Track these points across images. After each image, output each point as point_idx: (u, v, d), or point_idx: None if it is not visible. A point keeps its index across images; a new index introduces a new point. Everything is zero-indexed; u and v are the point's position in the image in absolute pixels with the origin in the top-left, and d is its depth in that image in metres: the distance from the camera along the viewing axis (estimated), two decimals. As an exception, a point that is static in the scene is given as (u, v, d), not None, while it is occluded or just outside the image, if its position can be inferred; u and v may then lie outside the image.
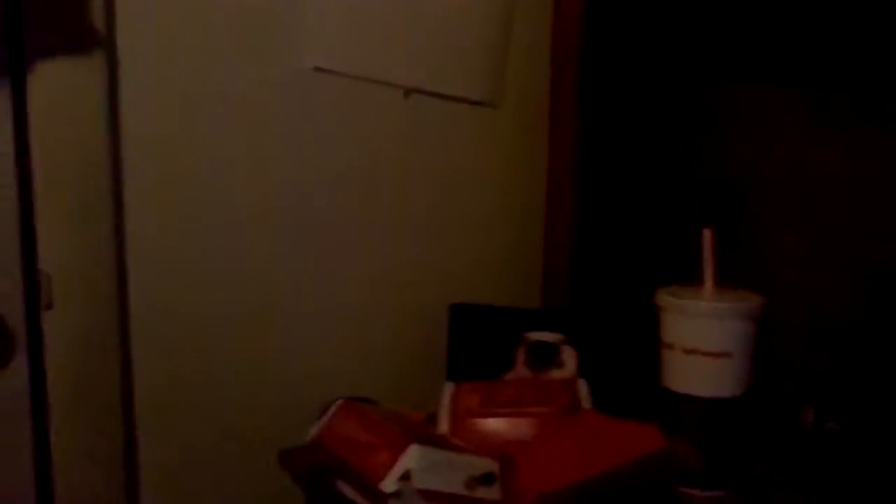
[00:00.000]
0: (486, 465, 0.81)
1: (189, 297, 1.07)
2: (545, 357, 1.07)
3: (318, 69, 1.11)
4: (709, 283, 0.94)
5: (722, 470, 0.92)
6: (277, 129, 1.11)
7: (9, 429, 0.98)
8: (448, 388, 0.99)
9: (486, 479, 0.80)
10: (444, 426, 0.93)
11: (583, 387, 0.99)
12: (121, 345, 1.02)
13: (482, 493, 0.80)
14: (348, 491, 0.83)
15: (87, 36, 0.99)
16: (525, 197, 1.29)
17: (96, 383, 1.02)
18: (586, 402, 0.96)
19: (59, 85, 0.96)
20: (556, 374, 1.07)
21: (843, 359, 1.04)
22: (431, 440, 0.83)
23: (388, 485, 0.76)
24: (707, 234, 0.95)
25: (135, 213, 1.03)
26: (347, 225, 1.16)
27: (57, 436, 0.97)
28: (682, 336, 0.91)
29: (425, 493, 0.77)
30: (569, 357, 1.07)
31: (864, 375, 1.02)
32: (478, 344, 1.09)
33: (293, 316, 1.14)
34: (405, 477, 0.77)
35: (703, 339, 0.90)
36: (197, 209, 1.07)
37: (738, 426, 0.92)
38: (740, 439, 0.92)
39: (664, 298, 0.93)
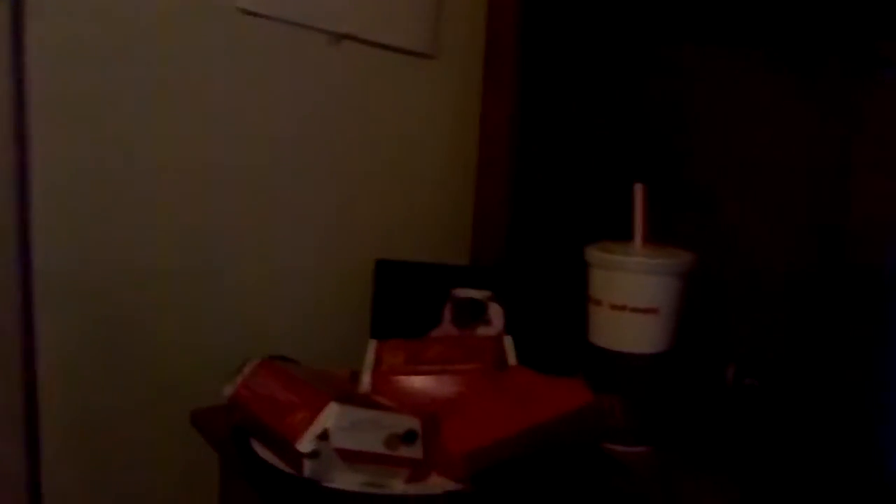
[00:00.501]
0: (408, 422, 0.78)
1: (100, 253, 1.01)
2: (472, 314, 1.05)
3: (245, 11, 1.05)
4: (638, 238, 0.92)
5: (646, 426, 0.91)
6: (200, 74, 1.05)
7: None
8: (371, 346, 0.97)
9: (408, 437, 0.78)
10: (366, 384, 0.90)
11: (509, 344, 0.97)
12: (23, 303, 0.96)
13: (403, 451, 0.77)
14: (264, 452, 0.80)
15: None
16: (457, 151, 1.25)
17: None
18: (512, 359, 0.95)
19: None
20: (482, 331, 1.05)
21: (770, 317, 1.05)
22: (352, 398, 0.80)
23: (305, 444, 0.73)
24: (638, 188, 0.93)
25: (43, 160, 0.96)
26: (271, 177, 1.11)
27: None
28: (609, 292, 0.90)
29: (343, 453, 0.75)
30: (496, 314, 1.05)
31: (789, 333, 1.03)
32: (404, 300, 1.06)
33: (213, 271, 1.09)
34: (323, 436, 0.74)
35: (631, 295, 0.89)
36: (110, 156, 1.00)
37: (663, 382, 0.91)
38: (665, 395, 0.92)
39: (592, 254, 0.92)
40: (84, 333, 1.01)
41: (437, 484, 0.78)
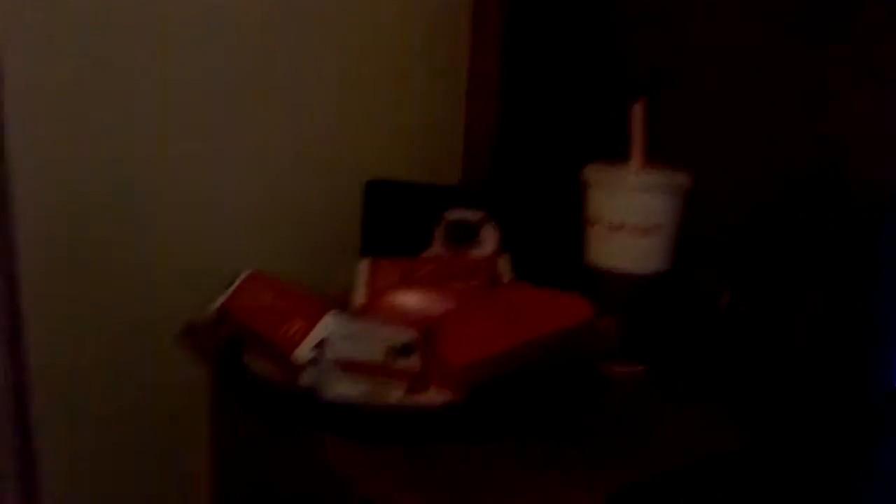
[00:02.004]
0: (406, 335, 0.77)
1: (80, 173, 0.97)
2: (464, 235, 1.03)
3: None
4: (637, 158, 0.91)
5: (641, 346, 0.91)
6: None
7: None
8: (364, 264, 0.95)
9: (406, 349, 0.77)
10: (360, 300, 0.89)
11: (504, 263, 0.96)
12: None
13: (401, 363, 0.76)
14: (258, 363, 0.79)
15: None
16: (446, 64, 1.20)
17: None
18: (508, 279, 0.94)
19: None
20: (475, 253, 1.03)
21: (763, 243, 1.05)
22: (348, 312, 0.78)
23: (303, 354, 0.72)
24: (637, 108, 0.91)
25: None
26: (250, 91, 1.05)
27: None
28: (608, 211, 0.88)
29: (341, 363, 0.73)
30: (489, 235, 1.03)
31: (780, 261, 1.03)
32: (394, 223, 1.04)
33: (195, 194, 1.05)
34: (321, 346, 0.72)
35: (630, 213, 0.87)
36: (86, 68, 0.95)
37: (659, 302, 0.91)
38: (661, 316, 0.91)
39: (591, 173, 0.90)
40: (68, 258, 0.98)
41: (434, 397, 0.77)
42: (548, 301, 0.77)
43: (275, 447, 0.84)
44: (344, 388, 0.74)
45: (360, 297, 0.89)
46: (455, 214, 1.03)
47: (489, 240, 1.02)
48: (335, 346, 0.72)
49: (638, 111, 0.92)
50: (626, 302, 0.90)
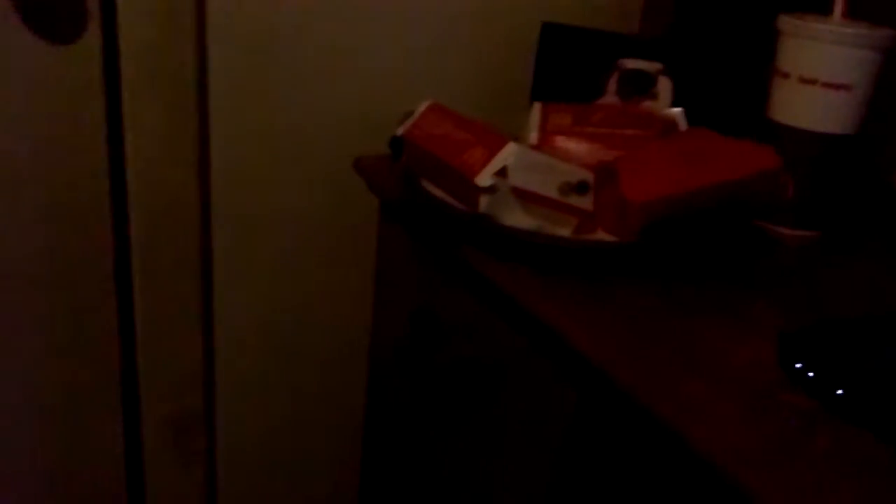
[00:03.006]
0: (582, 173, 0.77)
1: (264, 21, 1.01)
2: (638, 86, 1.00)
3: None
4: (839, 8, 0.85)
5: (818, 210, 0.88)
6: None
7: (81, 102, 0.96)
8: (536, 108, 0.94)
9: (581, 187, 0.77)
10: (531, 142, 0.89)
11: (680, 116, 0.94)
12: (196, 24, 0.97)
13: (574, 200, 0.77)
14: (435, 189, 0.81)
15: None
16: None
17: (169, 60, 0.98)
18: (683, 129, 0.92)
19: None
20: (648, 105, 1.01)
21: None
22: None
23: (484, 179, 0.73)
24: (845, -46, 0.85)
25: None
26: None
27: (128, 114, 0.95)
28: (800, 63, 0.84)
29: (519, 192, 0.75)
30: (664, 88, 1.00)
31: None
32: (568, 68, 1.02)
33: (370, 32, 1.07)
34: (501, 172, 0.74)
35: (825, 67, 0.82)
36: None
37: (843, 167, 0.87)
38: (844, 181, 0.88)
39: (786, 21, 0.85)
40: (251, 77, 1.03)
41: (602, 238, 0.78)
42: (732, 147, 0.75)
43: (443, 274, 0.88)
44: (518, 219, 0.76)
45: (531, 139, 0.90)
46: (631, 63, 1.00)
47: (664, 92, 0.99)
48: (514, 174, 0.73)
49: (846, -43, 0.85)
50: (809, 161, 0.86)
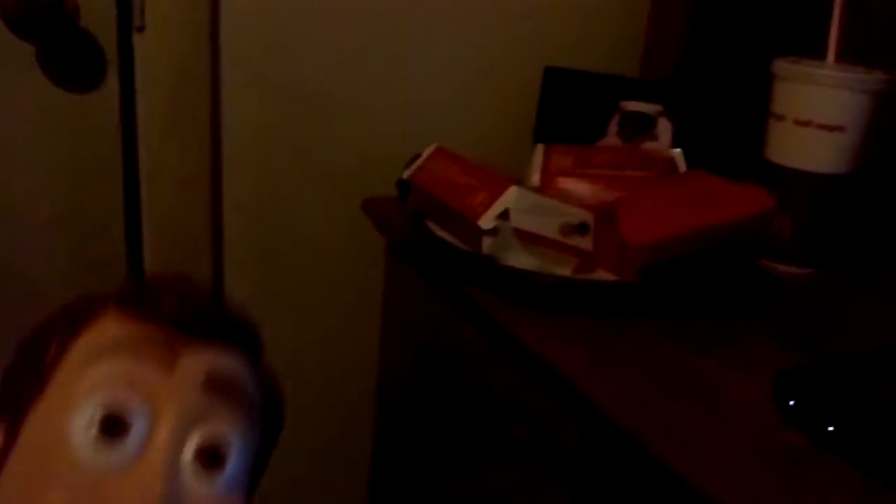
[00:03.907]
0: (582, 214, 0.80)
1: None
2: (639, 128, 1.03)
3: None
4: (832, 52, 0.87)
5: (815, 248, 0.90)
6: None
7: (99, 150, 1.00)
8: (539, 149, 0.97)
9: (581, 228, 0.79)
10: (534, 183, 0.92)
11: (679, 156, 0.96)
12: (211, 72, 1.00)
13: (575, 241, 0.79)
14: (441, 231, 0.84)
15: None
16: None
17: (186, 108, 1.01)
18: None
19: None
20: (648, 146, 1.03)
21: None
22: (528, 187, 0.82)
23: (486, 222, 0.76)
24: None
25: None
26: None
27: (146, 157, 0.98)
28: (795, 106, 0.86)
29: (521, 234, 0.77)
30: (664, 129, 1.03)
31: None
32: (570, 110, 1.05)
33: (384, 79, 1.11)
34: (503, 215, 0.76)
35: (819, 110, 0.85)
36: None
37: (839, 205, 0.89)
38: (840, 219, 0.90)
39: (781, 66, 0.88)
40: (265, 110, 1.06)
41: (602, 277, 0.80)
42: (728, 189, 0.77)
43: (448, 312, 0.90)
44: (520, 259, 0.78)
45: (534, 180, 0.92)
46: (631, 106, 1.03)
47: (664, 133, 1.02)
48: (516, 216, 0.76)
49: (838, 2, 0.88)
50: (806, 201, 0.88)
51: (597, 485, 0.70)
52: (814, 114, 0.86)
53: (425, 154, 0.87)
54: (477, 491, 0.89)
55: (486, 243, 0.76)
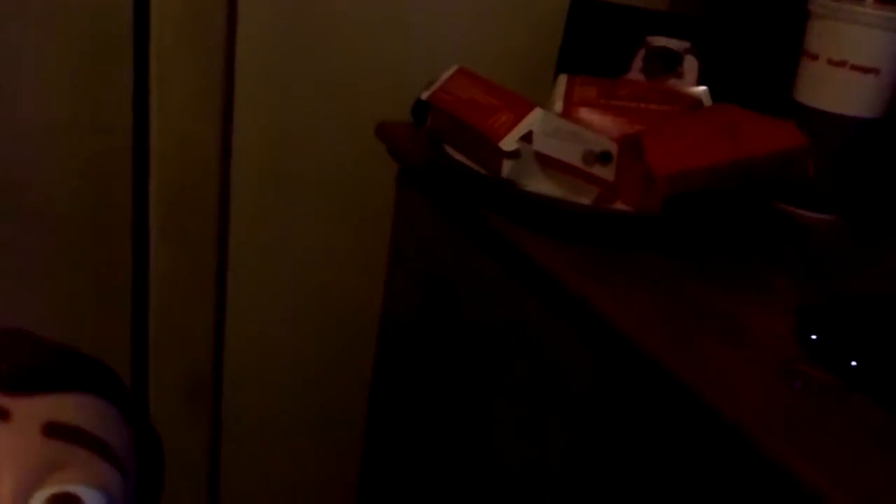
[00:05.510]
0: (606, 143, 0.77)
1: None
2: (664, 64, 1.00)
3: None
4: (873, -8, 0.85)
5: (840, 194, 0.88)
6: None
7: (110, 66, 0.97)
8: (562, 79, 0.94)
9: (604, 157, 0.77)
10: (557, 111, 0.89)
11: (705, 95, 0.94)
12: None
13: (597, 170, 0.77)
14: (458, 155, 0.81)
15: None
16: None
17: (200, 21, 0.99)
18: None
19: None
20: (673, 84, 1.01)
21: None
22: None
23: (508, 143, 0.74)
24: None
25: None
26: None
27: (157, 66, 0.96)
28: (832, 45, 0.84)
29: (542, 158, 0.75)
30: (690, 67, 1.00)
31: None
32: (595, 43, 1.02)
33: (401, 4, 1.07)
34: (526, 138, 0.74)
35: (855, 50, 0.82)
36: None
37: (868, 151, 0.87)
38: (867, 166, 0.87)
39: (821, 2, 0.84)
40: (282, 28, 1.03)
41: (621, 208, 0.78)
42: (757, 123, 0.75)
43: (460, 240, 0.88)
44: (540, 185, 0.76)
45: (556, 109, 0.90)
46: (658, 41, 1.00)
47: (690, 71, 0.99)
48: (539, 140, 0.74)
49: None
50: (833, 146, 0.86)
51: (611, 414, 0.69)
52: (849, 54, 0.83)
53: (446, 74, 0.85)
54: (477, 425, 0.89)
55: (507, 167, 0.74)
